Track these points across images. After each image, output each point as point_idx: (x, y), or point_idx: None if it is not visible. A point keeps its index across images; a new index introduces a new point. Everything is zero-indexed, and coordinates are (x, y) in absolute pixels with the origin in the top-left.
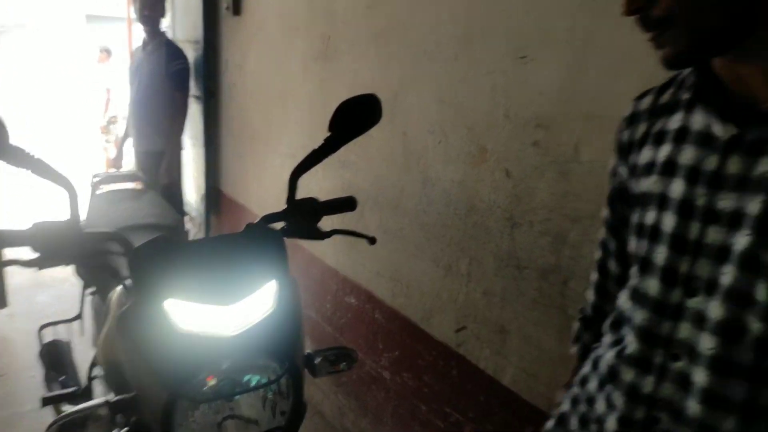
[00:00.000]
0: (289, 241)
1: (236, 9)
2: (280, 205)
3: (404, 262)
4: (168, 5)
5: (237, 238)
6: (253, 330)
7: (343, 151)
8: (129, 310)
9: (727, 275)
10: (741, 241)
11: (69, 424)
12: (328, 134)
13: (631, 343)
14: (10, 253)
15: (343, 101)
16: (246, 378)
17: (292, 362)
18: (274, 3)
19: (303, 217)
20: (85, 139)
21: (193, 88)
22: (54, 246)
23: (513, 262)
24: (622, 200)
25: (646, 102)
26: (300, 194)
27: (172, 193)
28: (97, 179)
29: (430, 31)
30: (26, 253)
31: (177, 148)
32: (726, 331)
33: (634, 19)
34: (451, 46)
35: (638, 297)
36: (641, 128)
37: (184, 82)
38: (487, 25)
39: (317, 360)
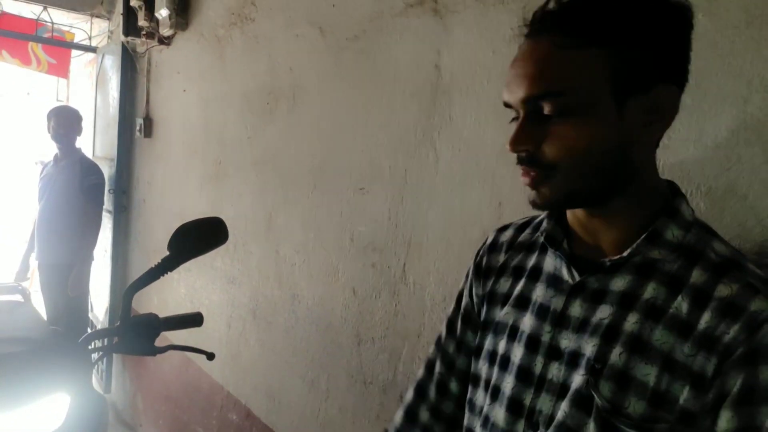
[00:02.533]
0: (181, 357)
1: (147, 132)
2: None
3: (277, 378)
4: (86, 124)
5: (35, 346)
6: None
7: (230, 266)
8: None
9: (562, 413)
10: (577, 379)
11: None
12: (166, 254)
13: None
14: None
15: (182, 224)
16: None
17: None
18: (177, 129)
19: (137, 333)
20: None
21: (106, 203)
22: None
23: (360, 378)
24: (466, 323)
25: (507, 235)
26: (197, 306)
27: (78, 304)
28: None
29: (294, 163)
30: None
31: (87, 260)
32: None
33: (516, 157)
34: (310, 176)
35: (487, 425)
36: (500, 258)
37: (99, 196)
38: (335, 160)
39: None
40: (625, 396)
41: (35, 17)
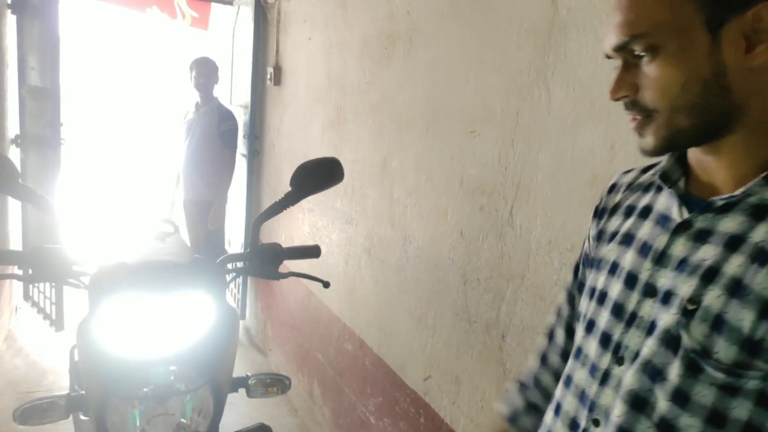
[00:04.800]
0: (304, 290)
1: (276, 80)
2: None
3: (388, 313)
4: (224, 74)
5: (181, 265)
6: (182, 344)
7: (348, 207)
8: (84, 320)
9: (648, 349)
10: (666, 318)
11: (31, 410)
12: (289, 189)
13: (568, 402)
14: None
15: (302, 162)
16: (177, 386)
17: (212, 376)
18: (303, 76)
19: (263, 259)
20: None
21: (241, 147)
22: (44, 266)
23: (465, 316)
24: (585, 265)
25: (629, 177)
26: (319, 243)
27: (216, 237)
28: (134, 219)
29: (409, 107)
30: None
31: (223, 199)
32: (634, 401)
33: (623, 104)
34: (423, 120)
35: (580, 356)
36: (616, 198)
37: (233, 141)
38: (447, 103)
39: (252, 381)
40: (716, 339)
41: None
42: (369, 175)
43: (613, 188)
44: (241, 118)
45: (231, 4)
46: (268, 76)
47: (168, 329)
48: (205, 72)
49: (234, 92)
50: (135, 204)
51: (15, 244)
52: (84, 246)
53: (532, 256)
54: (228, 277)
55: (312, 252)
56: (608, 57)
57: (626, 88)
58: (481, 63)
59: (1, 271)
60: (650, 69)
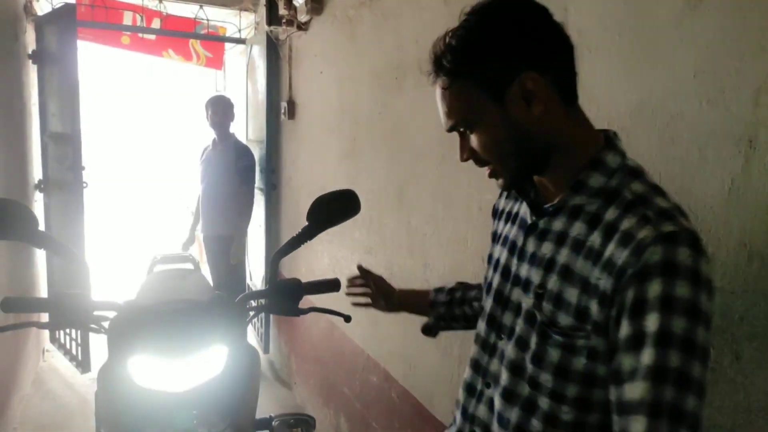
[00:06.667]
0: (327, 323)
1: (290, 114)
2: None
3: (412, 344)
4: (239, 110)
5: (199, 306)
6: (200, 388)
7: (366, 237)
8: (103, 367)
9: (518, 326)
10: (526, 301)
11: None
12: (305, 224)
13: (467, 373)
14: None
15: (319, 196)
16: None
17: (235, 419)
18: (316, 109)
19: (283, 296)
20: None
21: (258, 182)
22: (65, 313)
23: None
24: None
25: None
26: (339, 275)
27: (238, 271)
28: (155, 259)
29: (422, 135)
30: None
31: (243, 234)
32: (514, 368)
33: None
34: (437, 147)
35: (475, 336)
36: (501, 204)
37: (250, 176)
38: None
39: (276, 423)
40: (558, 313)
41: (193, 16)
42: (386, 205)
43: (501, 194)
44: (257, 152)
45: (244, 43)
46: (283, 111)
47: (188, 373)
48: (221, 110)
49: (250, 127)
50: (155, 242)
51: (42, 288)
52: (106, 289)
53: None
54: (249, 315)
55: (331, 285)
56: (447, 131)
57: (468, 153)
58: None
59: (26, 318)
60: (474, 139)
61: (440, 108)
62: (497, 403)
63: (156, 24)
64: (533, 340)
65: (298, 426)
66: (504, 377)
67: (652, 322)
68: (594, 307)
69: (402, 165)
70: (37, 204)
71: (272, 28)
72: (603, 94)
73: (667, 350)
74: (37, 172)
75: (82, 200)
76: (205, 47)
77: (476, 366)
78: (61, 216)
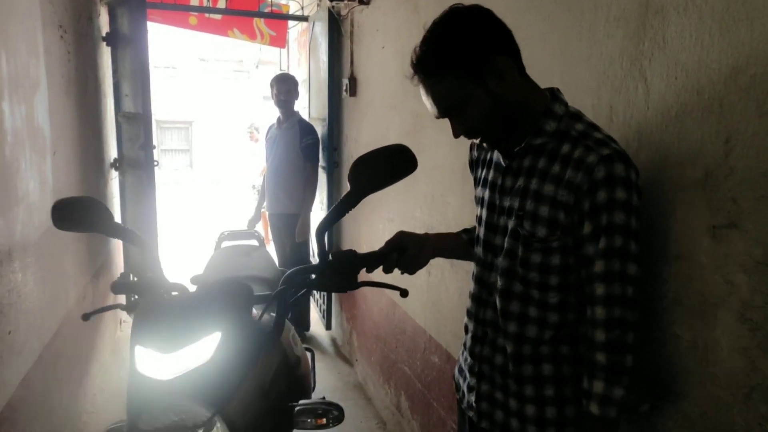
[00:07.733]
0: (388, 300)
1: (352, 91)
2: None
3: None
4: (303, 89)
5: (198, 293)
6: (186, 376)
7: (428, 215)
8: (129, 355)
9: (507, 243)
10: (511, 223)
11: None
12: (348, 191)
13: (473, 288)
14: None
15: (358, 157)
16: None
17: (222, 408)
18: (378, 85)
19: (335, 270)
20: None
21: (321, 159)
22: (146, 293)
23: None
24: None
25: (478, 140)
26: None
27: (302, 249)
28: (222, 235)
29: None
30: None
31: (308, 211)
32: (507, 273)
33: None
34: None
35: (476, 258)
36: (475, 154)
37: (314, 154)
38: None
39: (301, 412)
40: (536, 227)
41: None
42: (449, 182)
43: (472, 146)
44: (320, 130)
45: (306, 20)
46: (344, 88)
47: (177, 362)
48: (285, 89)
49: (312, 105)
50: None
51: (119, 267)
52: (178, 264)
53: None
54: (290, 293)
55: (388, 258)
56: (438, 118)
57: (461, 131)
58: (566, 56)
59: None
60: (465, 117)
61: (429, 101)
62: (499, 303)
63: (222, 3)
64: (520, 250)
65: (324, 416)
66: (500, 282)
67: (603, 219)
68: (561, 216)
69: (466, 141)
70: (113, 182)
71: (334, 3)
72: (691, 60)
73: (613, 236)
74: (113, 151)
75: (153, 178)
76: (268, 26)
77: (479, 281)
78: (135, 194)
